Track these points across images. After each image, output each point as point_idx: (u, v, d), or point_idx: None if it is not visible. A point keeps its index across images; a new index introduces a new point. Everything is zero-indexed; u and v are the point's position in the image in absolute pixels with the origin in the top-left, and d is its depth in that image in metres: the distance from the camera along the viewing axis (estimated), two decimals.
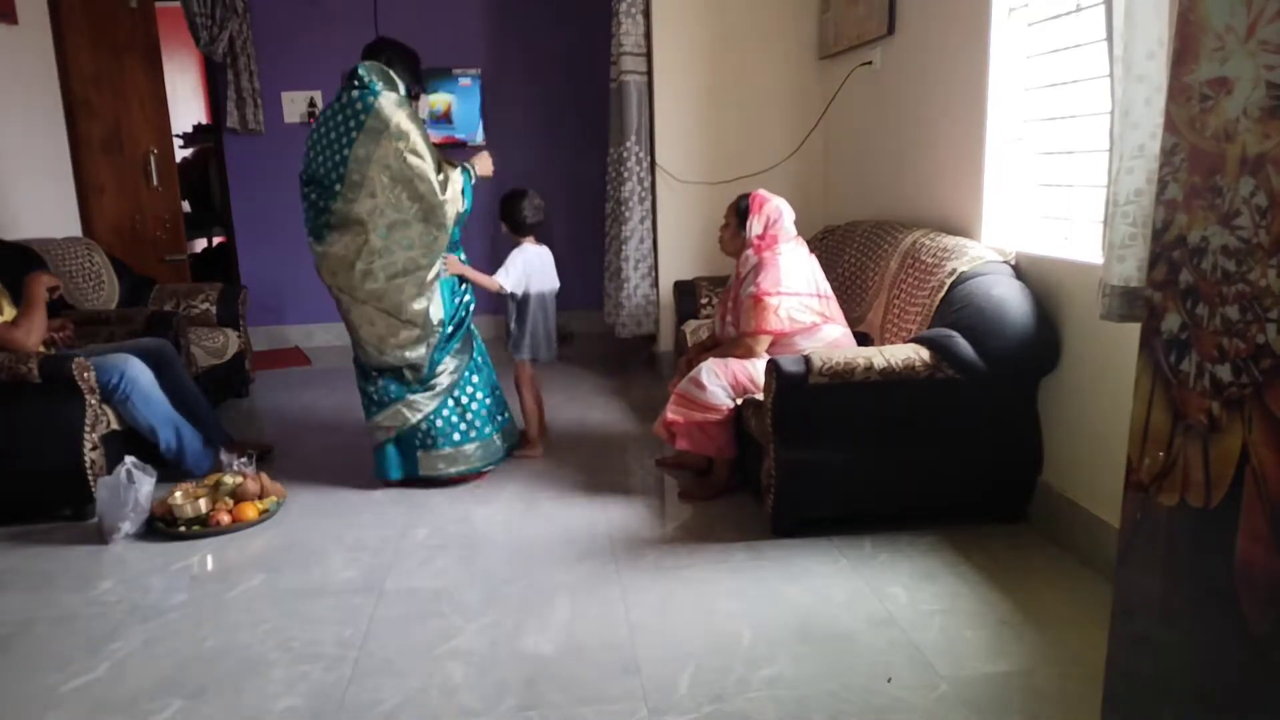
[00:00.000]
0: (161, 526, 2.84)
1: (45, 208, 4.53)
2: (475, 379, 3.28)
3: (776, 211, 3.01)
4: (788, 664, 2.04)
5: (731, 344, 3.03)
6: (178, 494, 2.90)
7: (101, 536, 2.81)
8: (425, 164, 2.97)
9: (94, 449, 2.94)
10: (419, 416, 3.17)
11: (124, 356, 3.20)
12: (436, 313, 3.12)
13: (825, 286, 3.02)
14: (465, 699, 1.94)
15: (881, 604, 2.30)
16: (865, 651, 2.09)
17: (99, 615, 2.36)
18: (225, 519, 2.85)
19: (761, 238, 3.00)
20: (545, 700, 1.93)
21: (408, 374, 3.16)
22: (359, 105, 2.95)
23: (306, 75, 5.59)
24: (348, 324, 3.17)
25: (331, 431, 3.96)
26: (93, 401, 2.94)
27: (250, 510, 2.90)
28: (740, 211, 3.05)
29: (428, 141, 3.03)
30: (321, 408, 4.36)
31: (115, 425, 3.12)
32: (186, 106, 7.42)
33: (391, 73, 3.06)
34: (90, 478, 2.91)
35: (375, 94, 2.97)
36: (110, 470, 2.91)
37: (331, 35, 5.54)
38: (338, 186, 2.96)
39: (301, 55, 5.55)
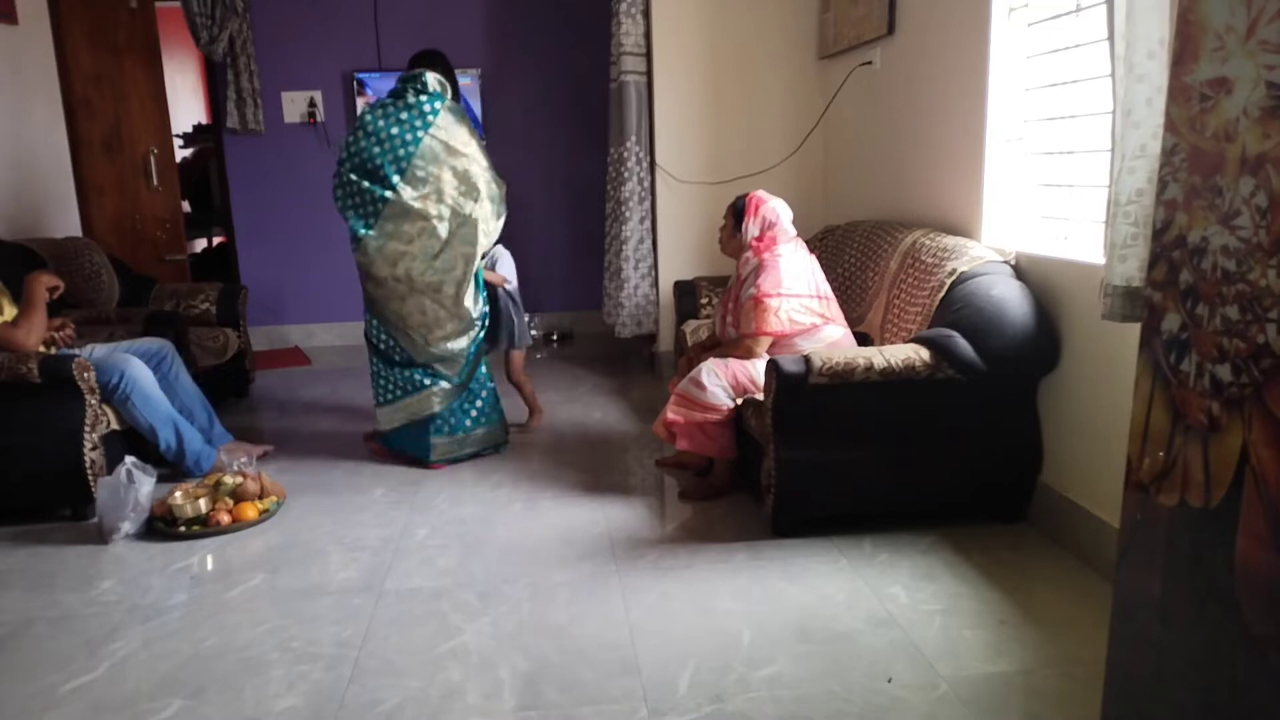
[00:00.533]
0: (161, 526, 2.84)
1: (45, 208, 4.53)
2: (483, 369, 3.52)
3: (774, 213, 3.01)
4: (788, 664, 2.04)
5: (732, 345, 3.03)
6: (178, 494, 2.90)
7: (101, 536, 2.81)
8: (485, 173, 3.29)
9: (94, 449, 2.94)
10: (440, 405, 3.37)
11: (124, 356, 3.21)
12: (479, 306, 3.39)
13: (825, 287, 3.02)
14: (465, 699, 1.94)
15: (881, 604, 2.30)
16: (865, 651, 2.09)
17: (99, 615, 2.36)
18: (225, 519, 2.85)
19: (760, 239, 3.00)
20: (545, 700, 1.93)
21: (443, 368, 3.36)
22: (426, 109, 3.22)
23: (306, 75, 5.59)
24: (393, 316, 3.32)
25: (332, 431, 3.96)
26: (93, 401, 2.94)
27: (250, 510, 2.90)
28: (737, 212, 3.05)
29: (484, 152, 3.34)
30: (322, 408, 4.36)
31: (115, 425, 3.12)
32: (186, 106, 7.43)
33: (446, 84, 3.34)
34: (90, 478, 2.91)
35: (441, 101, 3.26)
36: (110, 470, 2.92)
37: (331, 35, 5.54)
38: (396, 178, 3.19)
39: (301, 55, 5.55)
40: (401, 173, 3.17)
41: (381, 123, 3.20)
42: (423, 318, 3.27)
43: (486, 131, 5.68)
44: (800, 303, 2.92)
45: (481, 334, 3.43)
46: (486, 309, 3.47)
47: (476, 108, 5.64)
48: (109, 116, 4.95)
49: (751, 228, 3.01)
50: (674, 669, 2.03)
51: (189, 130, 7.05)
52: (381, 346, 3.39)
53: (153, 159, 5.08)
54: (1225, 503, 1.24)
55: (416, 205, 3.18)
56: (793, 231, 3.04)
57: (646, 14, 4.47)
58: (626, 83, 4.50)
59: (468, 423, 3.44)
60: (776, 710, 1.87)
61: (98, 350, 3.32)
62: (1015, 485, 2.73)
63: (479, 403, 3.47)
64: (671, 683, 1.98)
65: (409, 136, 3.17)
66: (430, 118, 3.19)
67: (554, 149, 5.81)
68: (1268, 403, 1.17)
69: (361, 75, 5.54)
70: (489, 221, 3.30)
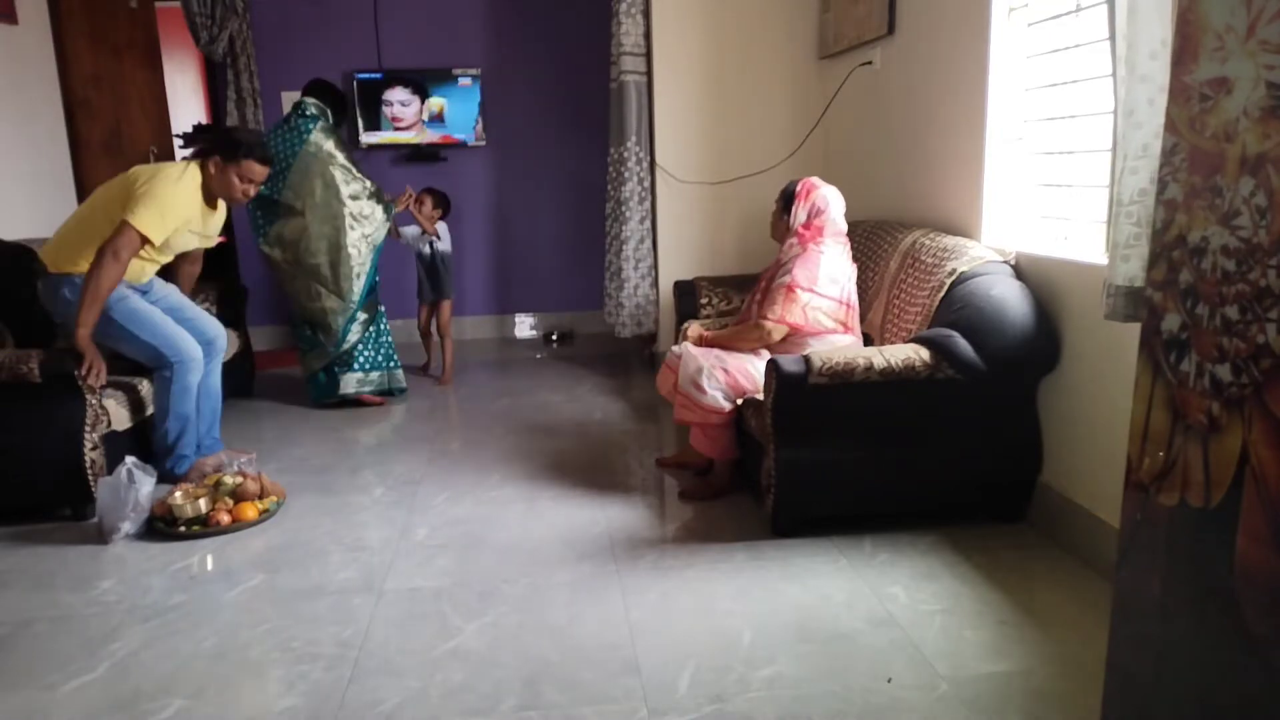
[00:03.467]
0: (161, 526, 2.84)
1: (45, 208, 4.53)
2: (383, 324, 4.35)
3: (824, 201, 2.97)
4: (788, 664, 2.04)
5: (749, 326, 3.00)
6: (177, 494, 2.90)
7: (101, 536, 2.81)
8: (347, 178, 4.09)
9: (94, 449, 2.94)
10: (318, 365, 4.25)
11: (194, 344, 3.25)
12: (357, 291, 4.15)
13: (854, 297, 3.00)
14: (465, 699, 1.94)
15: (881, 604, 2.30)
16: (865, 651, 2.09)
17: (99, 615, 2.36)
18: (225, 519, 2.85)
19: (807, 226, 2.96)
20: (545, 701, 1.93)
21: (323, 335, 4.18)
22: (302, 129, 4.07)
23: (306, 75, 5.52)
24: (290, 291, 4.19)
25: (332, 431, 3.96)
26: (93, 401, 2.94)
27: (250, 510, 2.90)
28: (787, 196, 3.03)
29: (349, 162, 4.14)
30: (322, 407, 4.36)
31: (115, 425, 3.12)
32: (186, 106, 7.41)
33: (326, 108, 4.20)
34: (90, 477, 2.91)
35: (315, 123, 4.08)
36: (110, 470, 2.91)
37: (332, 35, 5.53)
38: (280, 183, 4.03)
39: (301, 55, 5.54)
40: (285, 179, 4.01)
41: (274, 142, 4.03)
42: (309, 293, 4.12)
43: (486, 131, 5.68)
44: (828, 304, 2.90)
45: (356, 315, 4.19)
46: (364, 296, 4.19)
47: (476, 108, 5.64)
48: (109, 117, 4.95)
49: (800, 213, 2.97)
50: (674, 669, 2.03)
51: (188, 130, 7.04)
52: (292, 316, 4.31)
53: (152, 159, 5.08)
54: (1225, 503, 1.24)
55: (296, 205, 4.02)
56: (843, 225, 3.00)
57: (646, 13, 4.47)
58: (626, 82, 4.49)
59: (368, 364, 4.30)
60: (776, 710, 1.87)
61: (189, 310, 3.41)
62: (1015, 485, 2.73)
63: (377, 350, 4.31)
64: (671, 683, 1.98)
65: (289, 151, 4.03)
66: (305, 136, 4.04)
67: (554, 149, 5.80)
68: (1268, 403, 1.17)
69: (362, 75, 5.54)
70: (360, 216, 4.11)
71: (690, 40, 4.47)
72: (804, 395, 2.54)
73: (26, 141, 4.40)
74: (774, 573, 2.49)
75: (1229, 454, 1.23)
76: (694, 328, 3.32)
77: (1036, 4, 2.82)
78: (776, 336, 2.90)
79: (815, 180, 3.03)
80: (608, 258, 4.84)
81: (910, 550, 2.58)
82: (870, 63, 3.95)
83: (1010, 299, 2.61)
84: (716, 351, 3.03)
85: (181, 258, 3.53)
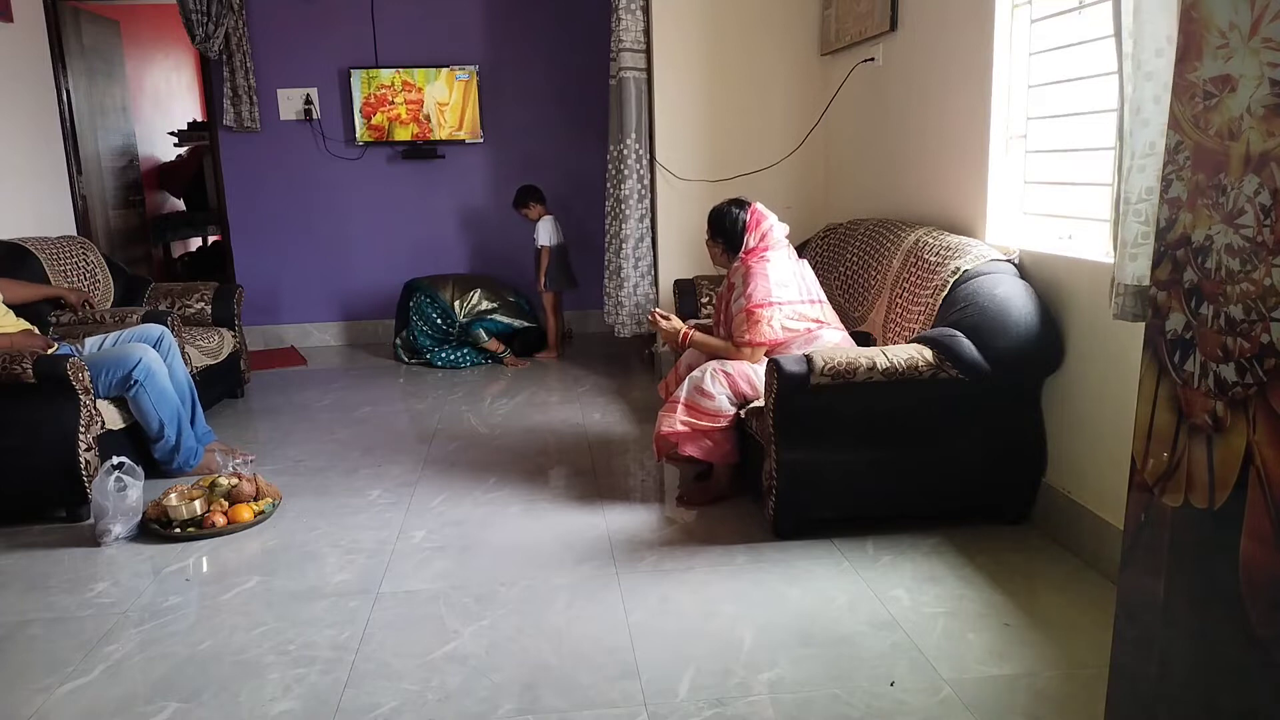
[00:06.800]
0: (156, 528, 2.82)
1: (40, 207, 4.51)
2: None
3: (769, 225, 3.00)
4: (789, 667, 2.02)
5: (729, 348, 2.99)
6: (173, 495, 2.89)
7: (95, 538, 2.80)
8: None
9: (89, 450, 2.92)
10: None
11: (140, 345, 3.22)
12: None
13: (818, 290, 3.00)
14: (462, 703, 1.93)
15: (884, 606, 2.28)
16: (867, 654, 2.07)
17: (93, 617, 2.34)
18: (220, 521, 2.83)
19: (749, 251, 2.98)
20: (544, 704, 1.91)
21: None
22: None
23: (303, 72, 5.57)
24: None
25: (327, 432, 3.95)
26: (87, 402, 2.93)
27: (245, 512, 2.88)
28: (727, 230, 3.01)
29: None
30: (317, 408, 4.35)
31: (110, 425, 3.10)
32: (182, 104, 7.40)
33: None
34: (85, 479, 2.89)
35: None
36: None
37: (328, 32, 5.52)
38: None
39: (298, 52, 5.53)
40: None
41: None
42: None
43: (484, 128, 5.66)
44: (792, 309, 2.90)
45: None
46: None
47: (474, 105, 5.62)
48: None
49: (751, 240, 3.00)
50: (674, 672, 2.01)
51: (183, 128, 7.02)
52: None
53: None
54: (1230, 504, 1.23)
55: None
56: (779, 236, 3.01)
57: (646, 9, 4.45)
58: (626, 79, 4.48)
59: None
60: (778, 714, 1.86)
61: (108, 340, 3.31)
62: (1019, 486, 2.71)
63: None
64: (672, 686, 1.96)
65: None
66: None
67: (553, 146, 5.79)
68: (1272, 403, 1.16)
69: (358, 71, 5.52)
70: None
71: (691, 36, 4.45)
72: (806, 396, 2.52)
73: (22, 140, 4.38)
74: (775, 575, 2.47)
75: (1233, 454, 1.22)
76: (674, 320, 3.18)
77: (1039, 1, 2.80)
78: (759, 356, 2.90)
79: (761, 208, 3.02)
80: (607, 256, 4.82)
81: (913, 552, 2.57)
82: (872, 59, 3.93)
83: (1014, 298, 2.59)
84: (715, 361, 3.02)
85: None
